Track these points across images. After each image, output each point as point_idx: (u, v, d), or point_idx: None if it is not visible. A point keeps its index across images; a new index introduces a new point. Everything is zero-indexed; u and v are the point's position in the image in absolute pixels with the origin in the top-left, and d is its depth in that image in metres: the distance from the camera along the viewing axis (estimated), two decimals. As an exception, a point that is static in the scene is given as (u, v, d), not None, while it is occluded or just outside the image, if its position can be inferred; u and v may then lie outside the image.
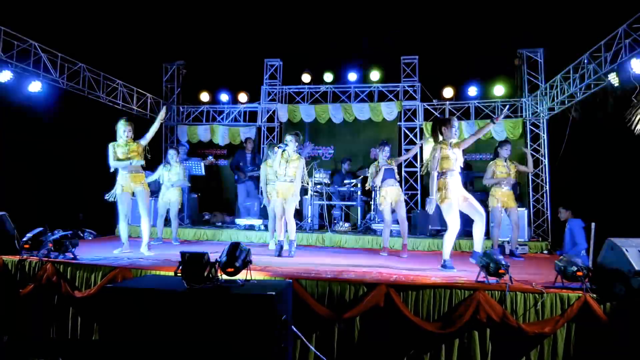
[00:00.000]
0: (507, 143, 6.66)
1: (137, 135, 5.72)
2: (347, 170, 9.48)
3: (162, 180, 7.16)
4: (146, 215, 5.71)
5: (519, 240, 6.84)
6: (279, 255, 5.83)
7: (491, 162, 6.59)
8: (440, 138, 4.88)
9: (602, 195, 6.87)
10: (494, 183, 6.44)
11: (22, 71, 6.80)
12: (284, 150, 5.82)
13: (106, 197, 5.66)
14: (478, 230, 4.78)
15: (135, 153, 5.60)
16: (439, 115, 9.83)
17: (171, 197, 7.12)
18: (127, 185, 5.58)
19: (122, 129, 5.58)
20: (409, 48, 9.85)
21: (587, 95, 7.21)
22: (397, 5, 9.17)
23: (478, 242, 4.78)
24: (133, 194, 5.70)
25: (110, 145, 5.58)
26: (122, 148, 5.57)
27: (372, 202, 8.56)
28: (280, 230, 6.04)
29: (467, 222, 5.06)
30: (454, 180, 4.76)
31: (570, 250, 6.64)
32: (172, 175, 7.11)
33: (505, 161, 6.51)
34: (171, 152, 7.23)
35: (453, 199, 4.70)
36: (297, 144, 5.88)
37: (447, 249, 4.83)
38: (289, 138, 5.85)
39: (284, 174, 5.80)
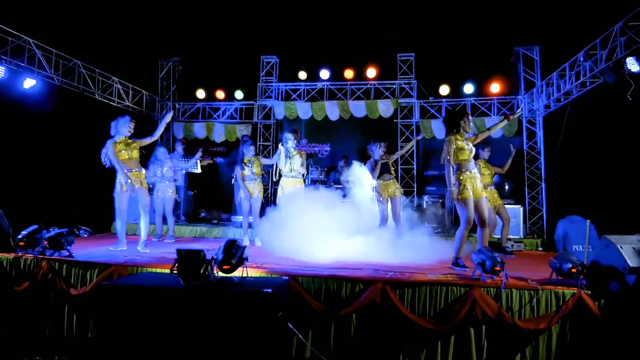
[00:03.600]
0: (488, 145, 6.67)
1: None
2: (343, 168, 9.48)
3: (155, 176, 7.16)
4: (145, 213, 5.73)
5: (514, 237, 6.86)
6: None
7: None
8: (454, 130, 4.76)
9: (597, 192, 6.90)
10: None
11: (17, 68, 6.75)
12: (285, 148, 5.88)
13: (114, 195, 5.67)
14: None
15: (137, 151, 5.65)
16: (435, 113, 9.86)
17: (166, 193, 7.12)
18: (128, 183, 5.59)
19: (128, 126, 5.62)
20: (405, 45, 9.85)
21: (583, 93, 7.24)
22: (394, 3, 9.15)
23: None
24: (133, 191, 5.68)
25: (111, 142, 5.58)
26: (123, 146, 5.58)
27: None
28: None
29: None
30: (471, 175, 4.65)
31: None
32: (165, 171, 7.13)
33: (486, 162, 6.59)
34: (161, 150, 7.24)
35: (470, 196, 4.56)
36: (295, 140, 5.96)
37: (458, 246, 4.68)
38: (287, 135, 5.93)
39: (290, 170, 5.87)
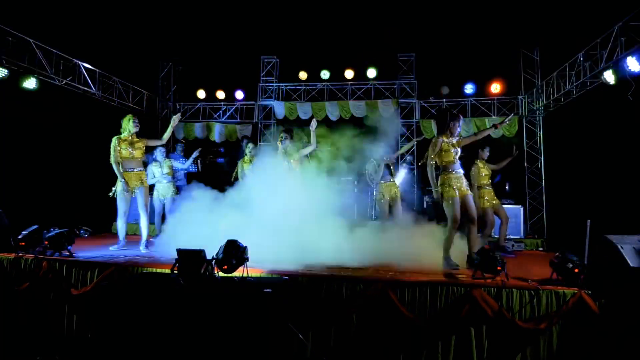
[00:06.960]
0: (488, 145, 6.62)
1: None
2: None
3: (154, 177, 7.14)
4: (145, 213, 5.73)
5: (514, 237, 6.85)
6: None
7: (475, 164, 6.52)
8: (442, 132, 4.81)
9: (597, 192, 6.90)
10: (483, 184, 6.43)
11: (17, 68, 6.75)
12: (284, 147, 5.86)
13: (110, 194, 5.67)
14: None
15: (141, 150, 5.64)
16: (435, 113, 9.86)
17: (165, 193, 7.11)
18: (129, 182, 5.58)
19: (132, 123, 5.60)
20: (405, 45, 9.85)
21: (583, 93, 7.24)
22: (394, 3, 9.15)
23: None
24: (133, 192, 5.68)
25: (115, 139, 5.54)
26: (127, 144, 5.57)
27: (368, 198, 8.57)
28: None
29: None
30: (457, 176, 4.72)
31: None
32: (164, 171, 7.12)
33: (485, 162, 6.55)
34: (160, 150, 7.22)
35: (455, 194, 4.62)
36: (290, 140, 5.93)
37: (447, 245, 4.72)
38: (281, 135, 5.93)
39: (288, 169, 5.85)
